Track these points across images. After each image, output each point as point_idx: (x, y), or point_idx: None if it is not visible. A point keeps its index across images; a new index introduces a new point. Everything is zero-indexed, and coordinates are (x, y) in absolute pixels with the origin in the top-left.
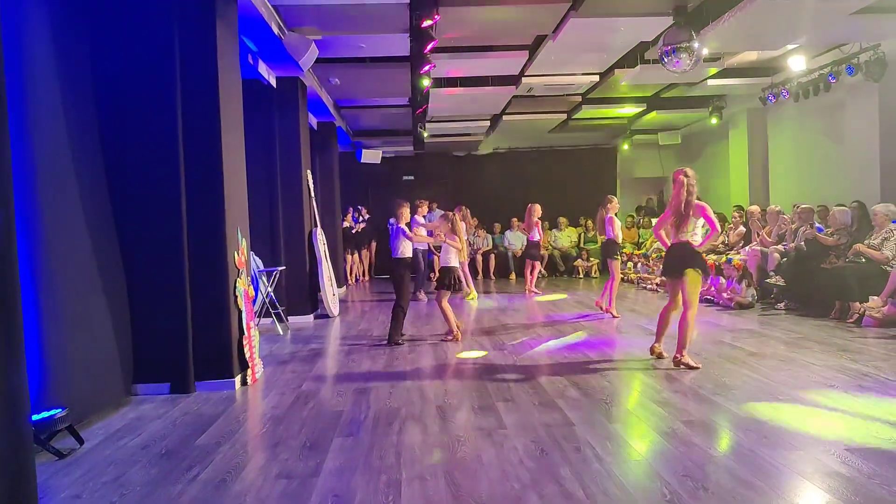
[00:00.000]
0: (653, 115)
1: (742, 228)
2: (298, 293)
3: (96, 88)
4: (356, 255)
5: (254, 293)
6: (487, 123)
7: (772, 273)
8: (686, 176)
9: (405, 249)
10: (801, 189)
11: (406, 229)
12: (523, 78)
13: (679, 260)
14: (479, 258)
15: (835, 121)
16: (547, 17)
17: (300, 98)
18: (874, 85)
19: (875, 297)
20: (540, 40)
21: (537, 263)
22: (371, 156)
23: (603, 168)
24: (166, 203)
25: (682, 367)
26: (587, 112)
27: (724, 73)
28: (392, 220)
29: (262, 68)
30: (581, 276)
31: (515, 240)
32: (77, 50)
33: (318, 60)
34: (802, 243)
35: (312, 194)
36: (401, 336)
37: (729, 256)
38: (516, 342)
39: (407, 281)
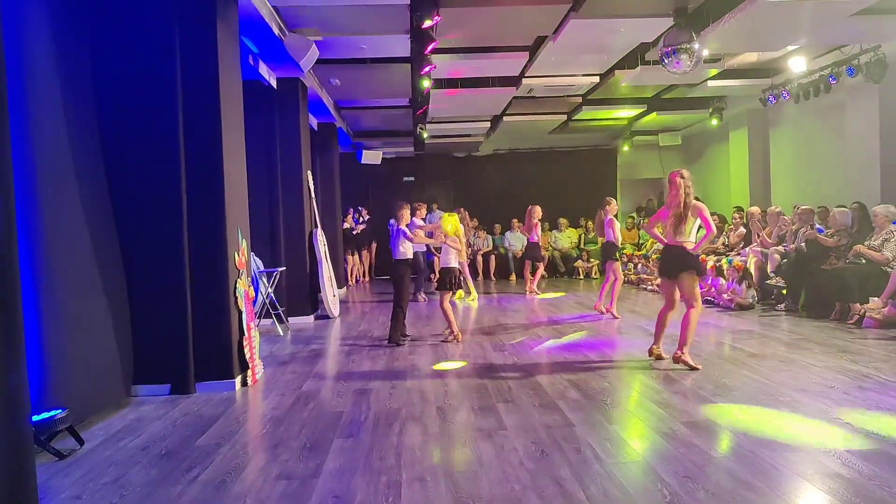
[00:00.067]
0: (653, 116)
1: (742, 230)
2: (299, 294)
3: (97, 89)
4: (356, 256)
5: (254, 294)
6: (488, 124)
7: (772, 274)
8: (682, 177)
9: (406, 250)
10: (802, 190)
11: (406, 230)
12: (524, 79)
13: (674, 262)
14: (480, 259)
15: (835, 122)
16: (547, 18)
17: (301, 99)
18: (874, 86)
19: (875, 299)
20: (540, 41)
21: (540, 265)
22: (371, 157)
23: (603, 169)
24: (167, 203)
25: (680, 363)
26: (587, 113)
27: (724, 75)
28: (392, 222)
29: (263, 69)
30: (581, 276)
31: (515, 241)
32: (77, 50)
33: (318, 61)
34: (803, 244)
35: (313, 195)
36: (402, 336)
37: (729, 258)
38: (516, 343)
39: (407, 281)
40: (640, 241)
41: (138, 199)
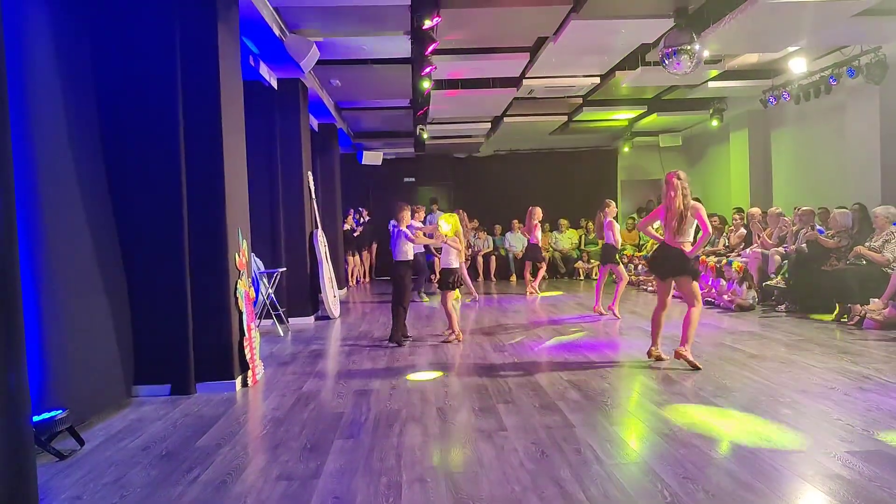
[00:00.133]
0: (653, 117)
1: (743, 231)
2: (299, 294)
3: (98, 89)
4: (357, 257)
5: (254, 294)
6: (488, 125)
7: (772, 275)
8: (679, 178)
9: (406, 251)
10: (802, 191)
11: (408, 231)
12: (524, 80)
13: (669, 263)
14: (480, 260)
15: (836, 123)
16: (548, 18)
17: (301, 99)
18: (875, 87)
19: (876, 300)
20: (541, 42)
21: (542, 265)
22: (372, 157)
23: (604, 170)
24: (167, 204)
25: (681, 359)
26: (588, 114)
27: (724, 76)
28: (393, 222)
29: (264, 70)
30: (582, 277)
31: (516, 241)
32: (78, 50)
33: (319, 62)
34: (803, 245)
35: (313, 196)
36: (403, 337)
37: (730, 258)
38: (517, 343)
39: (408, 281)
40: (641, 242)
41: (139, 199)
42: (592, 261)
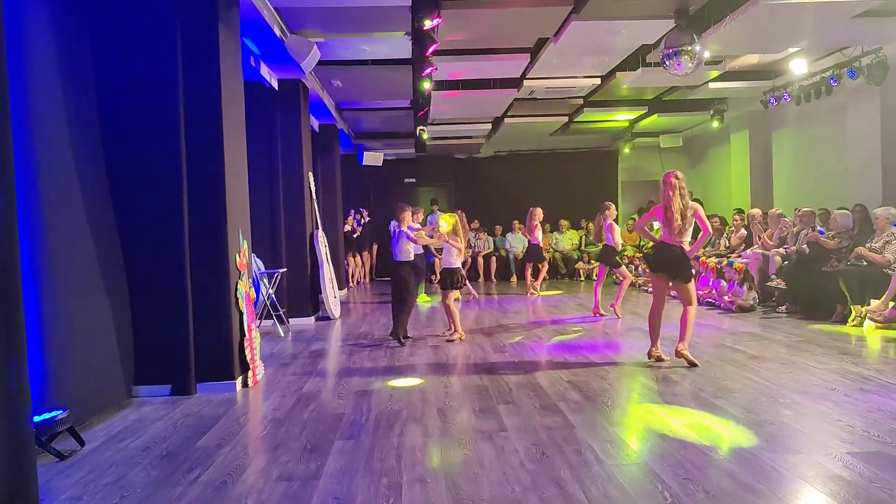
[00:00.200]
0: (654, 118)
1: (743, 231)
2: (300, 295)
3: (98, 90)
4: (357, 258)
5: (255, 295)
6: (489, 126)
7: (773, 276)
8: (677, 178)
9: (408, 251)
10: (803, 192)
11: (409, 232)
12: (525, 81)
13: (670, 262)
14: (481, 260)
15: (836, 124)
16: (548, 19)
17: (302, 100)
18: (876, 88)
19: (876, 301)
20: (541, 43)
21: (543, 265)
22: (372, 158)
23: (604, 171)
24: (168, 204)
25: (681, 357)
26: (588, 115)
27: (725, 77)
28: (393, 223)
29: (264, 70)
30: (582, 278)
31: (516, 242)
32: (79, 51)
33: (319, 63)
34: (804, 246)
35: (314, 196)
36: (405, 337)
37: (730, 259)
38: (517, 344)
39: (410, 280)
40: (641, 243)
41: (139, 199)
42: (593, 261)
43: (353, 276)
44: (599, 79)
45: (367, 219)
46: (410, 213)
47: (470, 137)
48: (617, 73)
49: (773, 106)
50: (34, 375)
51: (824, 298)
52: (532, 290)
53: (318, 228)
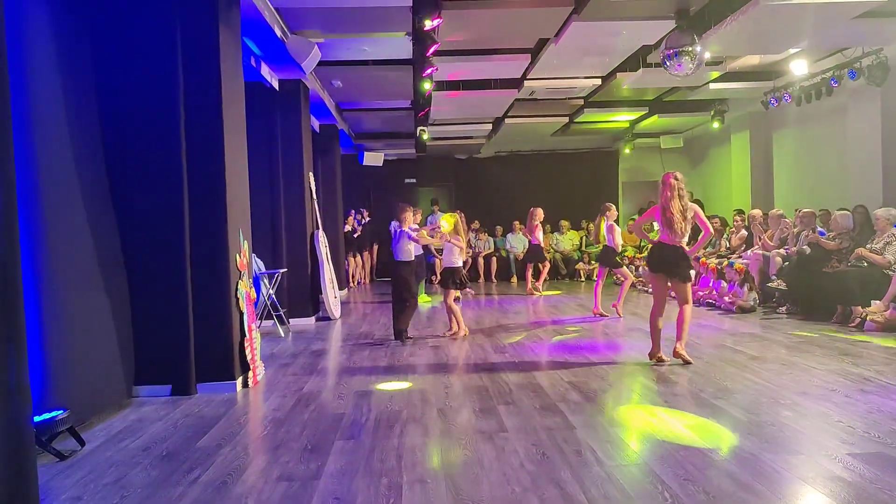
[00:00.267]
0: (654, 118)
1: (744, 232)
2: (300, 295)
3: (99, 91)
4: (358, 258)
5: (255, 295)
6: (489, 126)
7: (773, 277)
8: (676, 179)
9: (409, 251)
10: (803, 193)
11: (411, 232)
12: (525, 81)
13: (670, 262)
14: (481, 261)
15: (837, 125)
16: (549, 20)
17: (302, 100)
18: (876, 89)
19: (877, 302)
20: (542, 44)
21: (544, 265)
22: (373, 158)
23: (605, 172)
24: (168, 204)
25: (677, 357)
26: (589, 115)
27: (726, 77)
28: (394, 223)
29: (265, 71)
30: (583, 279)
31: (517, 242)
32: (79, 51)
33: (320, 63)
34: (805, 247)
35: (314, 196)
36: (405, 334)
37: (731, 260)
38: (517, 344)
39: (412, 280)
40: (641, 244)
41: (140, 199)
42: (593, 262)
43: (353, 277)
44: (600, 79)
45: (368, 219)
46: (412, 214)
47: (470, 138)
48: (617, 73)
49: (773, 107)
50: (34, 375)
51: (825, 299)
52: (533, 291)
53: (318, 228)
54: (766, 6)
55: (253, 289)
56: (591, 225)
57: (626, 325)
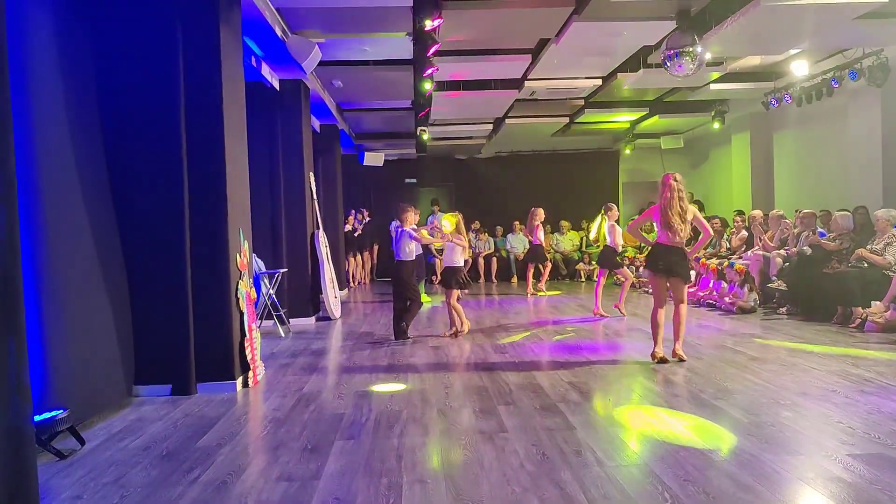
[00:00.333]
0: (655, 119)
1: (744, 233)
2: (300, 295)
3: (100, 91)
4: (358, 258)
5: (255, 295)
6: (490, 127)
7: (774, 278)
8: (675, 180)
9: (411, 251)
10: (804, 194)
11: (412, 231)
12: (526, 81)
13: (670, 261)
14: (481, 261)
15: (837, 125)
16: (550, 20)
17: (303, 100)
18: (877, 90)
19: (877, 302)
20: (543, 44)
21: (544, 266)
22: (373, 158)
23: (605, 172)
24: (168, 204)
25: (675, 357)
26: (589, 116)
27: (726, 78)
28: (394, 223)
29: (266, 71)
30: (583, 279)
31: (517, 243)
32: (80, 50)
33: (320, 63)
34: (805, 248)
35: (315, 196)
36: (401, 331)
37: (731, 261)
38: (518, 344)
39: (413, 280)
40: (642, 245)
41: (140, 199)
42: (594, 262)
43: (353, 277)
44: (600, 80)
45: (368, 219)
46: (413, 214)
47: (471, 138)
48: (618, 74)
49: (774, 107)
50: (34, 374)
51: (825, 300)
52: (532, 291)
53: (318, 228)
54: (766, 7)
55: (253, 289)
56: (592, 225)
57: (627, 326)
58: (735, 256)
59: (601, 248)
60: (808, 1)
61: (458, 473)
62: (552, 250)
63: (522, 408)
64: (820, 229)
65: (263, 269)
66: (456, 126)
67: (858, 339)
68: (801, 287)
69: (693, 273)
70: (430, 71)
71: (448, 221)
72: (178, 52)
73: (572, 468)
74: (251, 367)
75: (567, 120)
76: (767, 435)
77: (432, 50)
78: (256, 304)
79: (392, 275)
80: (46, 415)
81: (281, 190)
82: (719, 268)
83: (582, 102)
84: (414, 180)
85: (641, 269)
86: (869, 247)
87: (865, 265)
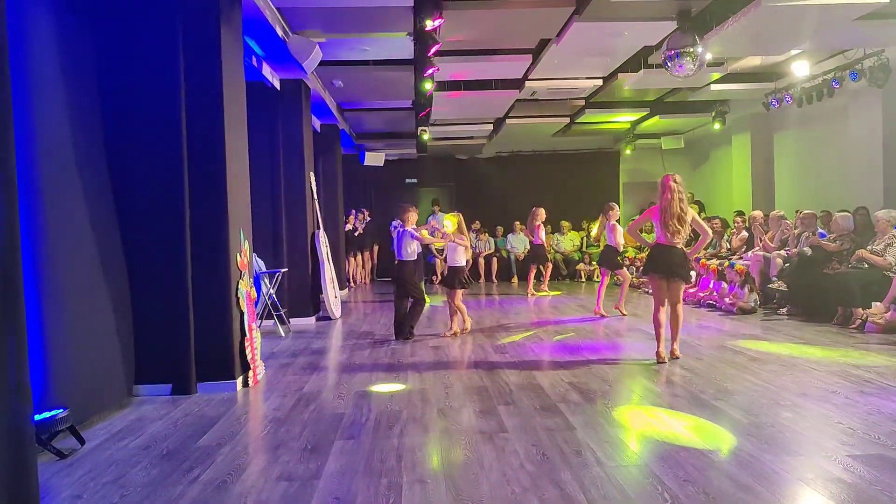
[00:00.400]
0: (655, 119)
1: (745, 234)
2: (300, 295)
3: (101, 91)
4: (358, 258)
5: (256, 294)
6: (490, 127)
7: (774, 278)
8: (675, 182)
9: (413, 251)
10: (804, 194)
11: (414, 231)
12: (527, 82)
13: (670, 263)
14: (482, 261)
15: (838, 126)
16: (550, 20)
17: (304, 100)
18: (878, 90)
19: (878, 303)
20: (544, 44)
21: (545, 266)
22: (374, 158)
23: (606, 172)
24: (169, 204)
25: (673, 357)
26: (590, 116)
27: (727, 78)
28: (395, 224)
29: (266, 70)
30: (584, 279)
31: (518, 243)
32: (81, 49)
33: (321, 63)
34: (806, 249)
35: (315, 196)
36: (404, 337)
37: (731, 261)
38: (518, 345)
39: (416, 280)
40: (642, 245)
41: (141, 198)
42: (594, 263)
43: (353, 277)
44: (601, 80)
45: (369, 219)
46: (415, 214)
47: (471, 138)
48: (619, 74)
49: (774, 108)
50: (35, 374)
51: (825, 301)
52: (532, 292)
53: (319, 228)
54: (767, 7)
55: (253, 288)
56: (592, 225)
57: (627, 326)
58: (735, 257)
59: (602, 247)
60: (809, 1)
61: (458, 473)
62: (552, 250)
63: (522, 408)
64: (820, 230)
65: (264, 269)
66: (456, 126)
67: (859, 339)
68: (801, 288)
69: (693, 274)
70: (430, 71)
71: (450, 221)
72: (179, 52)
73: (572, 468)
74: (251, 366)
75: (568, 120)
76: (767, 435)
77: (433, 50)
78: (257, 303)
79: (395, 275)
80: (46, 414)
81: (281, 189)
82: (720, 268)
83: (582, 103)
84: (414, 180)
85: (643, 269)
86: (869, 248)
87: (866, 266)
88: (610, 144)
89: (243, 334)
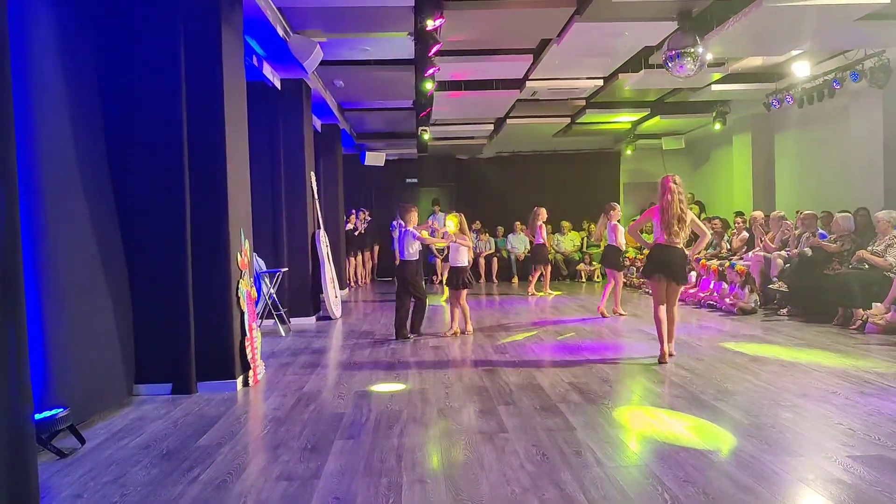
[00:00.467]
0: (656, 119)
1: (745, 234)
2: (301, 295)
3: (102, 90)
4: (359, 258)
5: (256, 294)
6: (491, 127)
7: (775, 279)
8: (675, 183)
9: (414, 251)
10: (805, 195)
11: (415, 231)
12: (527, 82)
13: (670, 263)
14: (482, 261)
15: (839, 127)
16: (551, 21)
17: (304, 100)
18: (878, 91)
19: (878, 304)
20: (544, 44)
21: (548, 267)
22: (375, 158)
23: (606, 172)
24: (170, 204)
25: (671, 357)
26: (591, 116)
27: (728, 79)
28: (395, 223)
29: (267, 70)
30: (584, 280)
31: (518, 243)
32: (82, 50)
33: (322, 62)
34: (806, 249)
35: (316, 196)
36: (405, 337)
37: (732, 262)
38: (518, 345)
39: (418, 279)
40: (643, 246)
41: (141, 198)
42: (594, 263)
43: (353, 277)
44: (602, 80)
45: (369, 219)
46: (416, 214)
47: (472, 138)
48: (619, 74)
49: (775, 108)
50: (35, 373)
51: (826, 302)
52: (533, 292)
53: (319, 228)
54: (768, 8)
55: (254, 288)
56: (593, 226)
57: (627, 326)
58: (736, 257)
59: (602, 247)
60: (809, 2)
61: (457, 473)
62: (553, 251)
63: (522, 408)
64: (821, 230)
65: (264, 269)
66: (457, 126)
67: (859, 340)
68: (801, 288)
69: (693, 274)
70: (431, 71)
71: (452, 222)
72: (180, 52)
73: (572, 469)
74: (251, 366)
75: (568, 120)
76: (767, 436)
77: (434, 50)
78: (257, 303)
79: (397, 275)
80: (47, 413)
81: (282, 189)
82: (720, 269)
83: (583, 103)
84: (415, 180)
85: (641, 271)
86: (870, 248)
87: (866, 267)
88: (610, 145)
89: (243, 334)
